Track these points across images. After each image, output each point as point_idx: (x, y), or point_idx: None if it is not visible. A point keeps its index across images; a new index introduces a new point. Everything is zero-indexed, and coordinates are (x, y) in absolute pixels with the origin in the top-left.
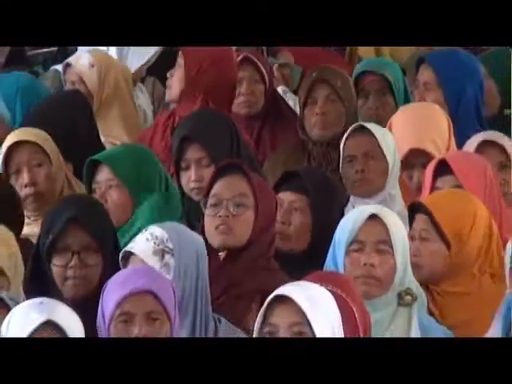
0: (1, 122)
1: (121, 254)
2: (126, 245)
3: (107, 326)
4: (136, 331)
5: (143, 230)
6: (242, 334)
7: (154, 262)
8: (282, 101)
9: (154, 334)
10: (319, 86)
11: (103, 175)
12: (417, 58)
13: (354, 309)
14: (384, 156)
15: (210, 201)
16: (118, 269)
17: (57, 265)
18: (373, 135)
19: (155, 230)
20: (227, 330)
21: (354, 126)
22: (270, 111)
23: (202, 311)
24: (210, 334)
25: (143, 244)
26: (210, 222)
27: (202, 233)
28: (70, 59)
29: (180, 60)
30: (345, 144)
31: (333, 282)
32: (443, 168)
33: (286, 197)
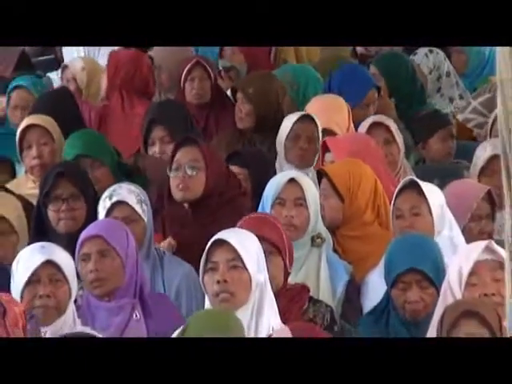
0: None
1: (110, 204)
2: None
3: (77, 263)
4: (90, 267)
5: (119, 186)
6: (186, 265)
7: (138, 208)
8: (225, 95)
9: (105, 268)
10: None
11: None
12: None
13: (284, 236)
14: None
15: (173, 166)
16: (97, 211)
17: (52, 210)
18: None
19: (129, 187)
20: (175, 263)
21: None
22: (215, 103)
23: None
24: (158, 263)
25: (128, 196)
26: (173, 182)
27: (169, 191)
28: (67, 62)
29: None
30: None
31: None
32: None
33: (232, 169)
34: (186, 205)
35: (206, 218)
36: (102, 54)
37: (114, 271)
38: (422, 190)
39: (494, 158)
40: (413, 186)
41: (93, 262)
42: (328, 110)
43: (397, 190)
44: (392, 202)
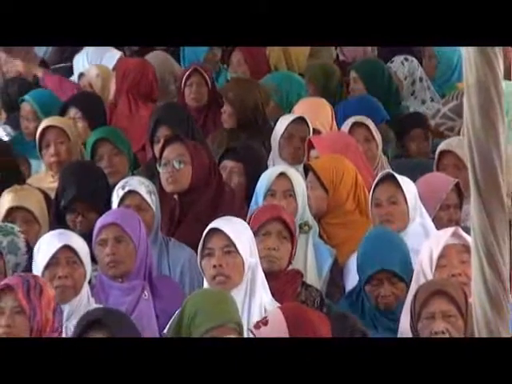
0: (34, 114)
1: (122, 193)
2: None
3: (94, 247)
4: (107, 251)
5: (131, 178)
6: (188, 250)
7: (147, 198)
8: (220, 99)
9: (120, 252)
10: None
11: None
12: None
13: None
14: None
15: (162, 162)
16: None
17: (68, 219)
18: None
19: (140, 178)
20: (179, 248)
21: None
22: (211, 105)
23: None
24: (164, 248)
25: (139, 186)
26: (163, 176)
27: (160, 184)
28: (83, 70)
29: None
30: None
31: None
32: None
33: (228, 164)
34: (175, 196)
35: (192, 208)
36: (104, 62)
37: (128, 255)
38: (398, 182)
39: (443, 153)
40: (390, 178)
41: (109, 246)
42: (313, 111)
43: (375, 181)
44: (371, 192)
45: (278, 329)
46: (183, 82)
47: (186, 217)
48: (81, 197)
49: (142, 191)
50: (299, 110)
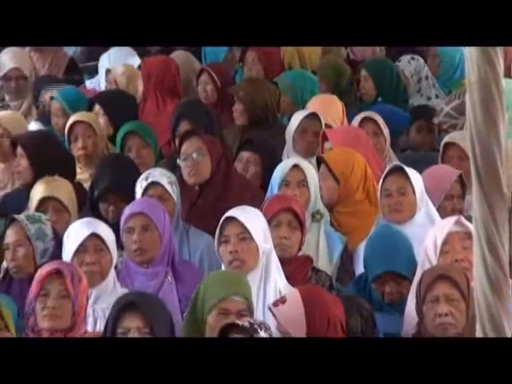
0: (62, 110)
1: (146, 184)
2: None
3: (121, 234)
4: (135, 238)
5: (154, 169)
6: (207, 237)
7: (169, 188)
8: (231, 97)
9: (147, 240)
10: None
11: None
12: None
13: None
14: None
15: (181, 157)
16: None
17: (101, 208)
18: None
19: (162, 170)
20: (198, 235)
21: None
22: (222, 103)
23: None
24: (184, 235)
25: (161, 178)
26: (184, 170)
27: (181, 177)
28: (110, 68)
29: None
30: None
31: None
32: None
33: (245, 155)
34: (196, 187)
35: (212, 198)
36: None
37: (153, 243)
38: (407, 174)
39: (447, 146)
40: (399, 170)
41: (137, 234)
42: (325, 108)
43: (385, 173)
44: (380, 183)
45: (295, 307)
46: (195, 81)
47: (206, 205)
48: (113, 188)
49: (164, 182)
50: (312, 106)
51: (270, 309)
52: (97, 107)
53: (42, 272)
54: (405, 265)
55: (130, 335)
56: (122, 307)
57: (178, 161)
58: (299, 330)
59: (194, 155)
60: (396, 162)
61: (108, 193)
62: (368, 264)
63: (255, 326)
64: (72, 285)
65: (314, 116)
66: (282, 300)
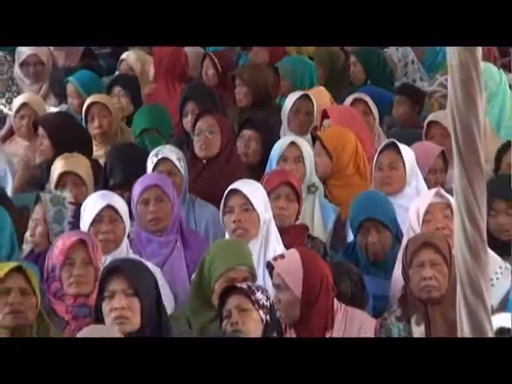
0: (77, 92)
1: (156, 160)
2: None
3: (135, 205)
4: (150, 209)
5: (163, 146)
6: (211, 207)
7: (177, 164)
8: (231, 81)
9: (160, 210)
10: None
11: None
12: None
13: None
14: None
15: (195, 132)
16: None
17: (116, 192)
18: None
19: (170, 147)
20: (204, 206)
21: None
22: (223, 85)
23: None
24: (191, 206)
25: (170, 154)
26: (196, 144)
27: (193, 151)
28: (124, 56)
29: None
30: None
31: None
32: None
33: (246, 133)
34: (204, 161)
35: (216, 172)
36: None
37: (166, 213)
38: (399, 150)
39: (431, 124)
40: (392, 146)
41: (152, 205)
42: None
43: (379, 148)
44: (375, 157)
45: (293, 262)
46: (200, 65)
47: (211, 178)
48: (126, 180)
49: (173, 158)
50: (316, 93)
51: (268, 263)
52: (117, 89)
53: (65, 242)
54: (386, 215)
55: (116, 298)
56: (107, 273)
57: (192, 135)
58: (296, 282)
59: (207, 132)
60: (391, 139)
61: (121, 184)
62: (353, 216)
63: (253, 288)
64: (93, 252)
65: (306, 97)
66: (280, 256)
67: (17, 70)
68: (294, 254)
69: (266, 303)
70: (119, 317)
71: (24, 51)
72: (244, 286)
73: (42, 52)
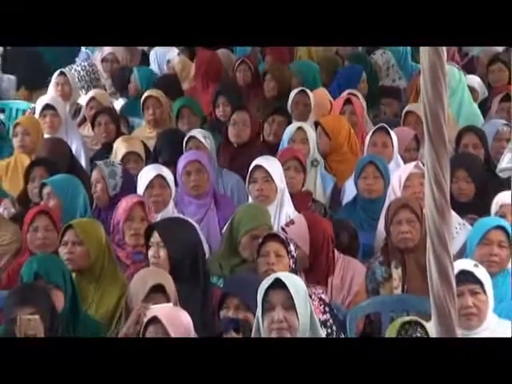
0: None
1: (186, 138)
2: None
3: (180, 176)
4: (193, 178)
5: (193, 130)
6: (236, 176)
7: (204, 141)
8: (259, 78)
9: (200, 179)
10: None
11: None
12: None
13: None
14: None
15: (231, 122)
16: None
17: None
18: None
19: (199, 130)
20: (230, 175)
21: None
22: (254, 82)
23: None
24: (219, 175)
25: (197, 133)
26: (230, 132)
27: (226, 136)
28: (169, 58)
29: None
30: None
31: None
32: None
33: (277, 118)
34: (235, 145)
35: (244, 153)
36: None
37: (205, 181)
38: (389, 132)
39: (407, 113)
40: (383, 129)
41: (193, 175)
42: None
43: (373, 130)
44: (368, 137)
45: (301, 226)
46: (235, 68)
47: (242, 160)
48: (171, 158)
49: (199, 136)
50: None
51: (282, 228)
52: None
53: (128, 203)
54: (382, 163)
55: (153, 248)
56: (146, 230)
57: (228, 123)
58: (304, 242)
59: (241, 124)
60: (382, 124)
61: (168, 163)
62: (357, 166)
63: (288, 240)
64: (149, 211)
65: (303, 92)
66: (291, 221)
67: (98, 64)
68: (300, 218)
69: (294, 254)
70: (153, 263)
71: (105, 49)
72: (282, 236)
73: (119, 51)
